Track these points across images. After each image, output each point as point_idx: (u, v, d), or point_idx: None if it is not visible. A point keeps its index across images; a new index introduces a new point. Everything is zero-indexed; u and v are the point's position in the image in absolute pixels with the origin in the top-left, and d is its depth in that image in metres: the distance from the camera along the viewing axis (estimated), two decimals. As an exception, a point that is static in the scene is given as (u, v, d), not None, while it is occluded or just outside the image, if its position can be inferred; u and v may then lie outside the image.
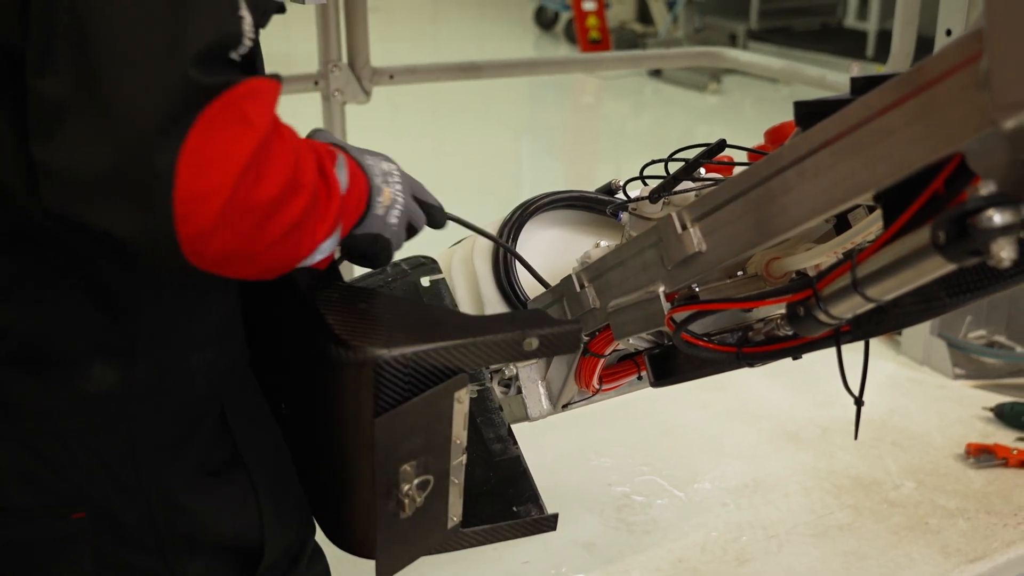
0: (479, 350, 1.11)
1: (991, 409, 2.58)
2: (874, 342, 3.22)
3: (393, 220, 1.16)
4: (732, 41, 8.01)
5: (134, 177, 0.86)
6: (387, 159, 1.20)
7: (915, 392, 2.73)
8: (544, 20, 9.85)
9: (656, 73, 7.63)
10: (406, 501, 1.11)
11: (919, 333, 2.85)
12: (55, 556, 1.07)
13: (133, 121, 0.86)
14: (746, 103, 7.15)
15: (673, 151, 1.50)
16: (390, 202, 1.15)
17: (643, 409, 2.52)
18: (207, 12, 0.89)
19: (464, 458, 1.17)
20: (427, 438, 1.12)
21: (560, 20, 9.54)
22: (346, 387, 1.08)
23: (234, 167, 0.88)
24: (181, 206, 0.87)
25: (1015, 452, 2.37)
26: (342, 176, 1.07)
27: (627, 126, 7.17)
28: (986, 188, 0.87)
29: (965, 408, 2.63)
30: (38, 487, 1.05)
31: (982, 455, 2.38)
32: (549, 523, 1.38)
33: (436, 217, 1.25)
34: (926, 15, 2.80)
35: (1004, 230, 0.85)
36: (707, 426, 2.55)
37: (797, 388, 2.66)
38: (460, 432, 1.15)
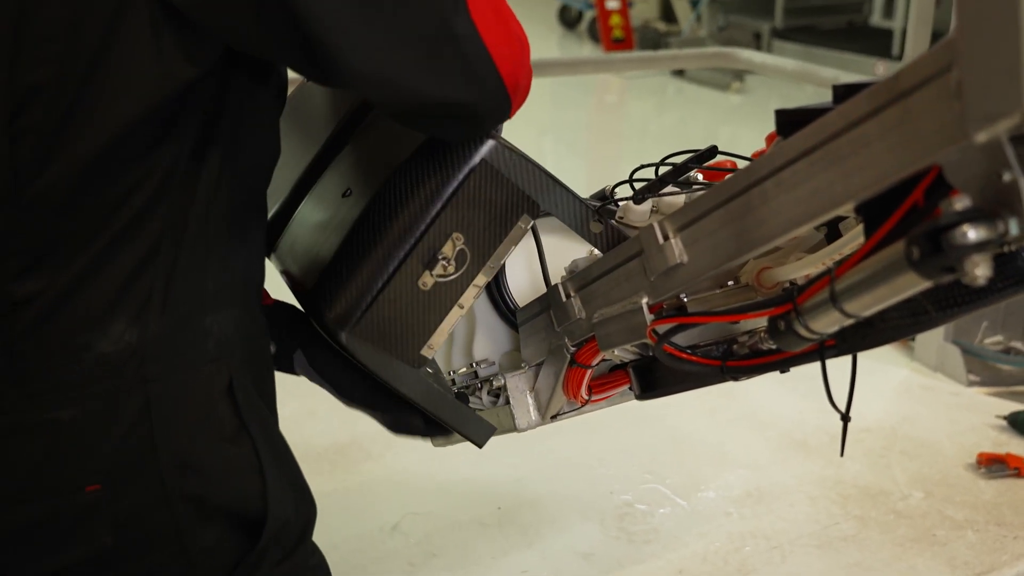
0: (559, 197, 1.33)
1: (1005, 417, 2.53)
2: (886, 348, 3.18)
3: None
4: (756, 40, 7.93)
5: (449, 52, 1.07)
6: None
7: (927, 399, 2.69)
8: (568, 19, 9.81)
9: (679, 72, 7.57)
10: (438, 265, 1.25)
11: (933, 339, 2.80)
12: (73, 531, 1.09)
13: (428, 7, 1.05)
14: (770, 102, 7.07)
15: (664, 157, 1.47)
16: None
17: (648, 416, 2.49)
18: None
19: (482, 289, 1.32)
20: (484, 224, 1.28)
21: (584, 19, 9.50)
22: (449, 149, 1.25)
23: (503, 8, 1.11)
24: (495, 50, 1.09)
25: (1028, 462, 2.32)
26: None
27: (650, 126, 7.12)
28: (961, 203, 0.84)
29: (978, 416, 2.58)
30: (54, 462, 1.07)
31: (993, 465, 2.33)
32: (486, 431, 1.45)
33: None
34: (947, 11, 2.76)
35: (979, 246, 0.82)
36: (713, 433, 2.52)
37: (807, 395, 2.61)
38: (504, 251, 1.31)
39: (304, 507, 1.30)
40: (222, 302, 1.17)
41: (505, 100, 1.15)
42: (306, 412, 2.54)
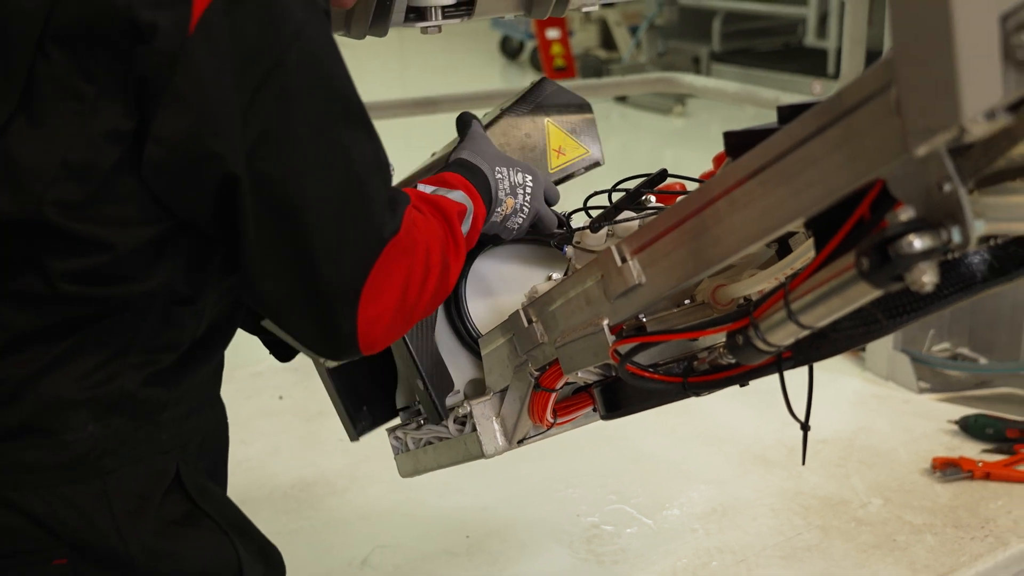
0: None
1: (956, 422, 2.59)
2: (838, 359, 3.23)
3: (512, 225, 1.45)
4: (695, 64, 8.05)
5: (324, 310, 1.08)
6: (526, 171, 1.45)
7: (880, 408, 2.74)
8: (509, 49, 9.90)
9: (621, 98, 7.67)
10: None
11: (883, 348, 2.86)
12: None
13: (331, 279, 1.07)
14: (712, 125, 7.18)
15: (616, 182, 1.51)
16: (511, 211, 1.43)
17: (611, 436, 2.51)
18: (381, 180, 1.11)
19: None
20: None
21: (525, 49, 9.59)
22: None
23: (398, 290, 1.11)
24: (362, 326, 1.09)
25: (980, 464, 2.38)
26: (467, 224, 1.30)
27: (595, 152, 7.18)
28: (906, 214, 0.88)
29: (930, 422, 2.64)
30: (20, 535, 1.09)
31: (948, 469, 2.39)
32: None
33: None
34: (880, 29, 2.83)
35: (925, 255, 0.86)
36: (675, 451, 2.55)
37: (763, 409, 2.65)
38: None
39: (273, 570, 1.31)
40: (187, 399, 1.20)
41: (350, 357, 1.20)
42: (270, 450, 2.53)
